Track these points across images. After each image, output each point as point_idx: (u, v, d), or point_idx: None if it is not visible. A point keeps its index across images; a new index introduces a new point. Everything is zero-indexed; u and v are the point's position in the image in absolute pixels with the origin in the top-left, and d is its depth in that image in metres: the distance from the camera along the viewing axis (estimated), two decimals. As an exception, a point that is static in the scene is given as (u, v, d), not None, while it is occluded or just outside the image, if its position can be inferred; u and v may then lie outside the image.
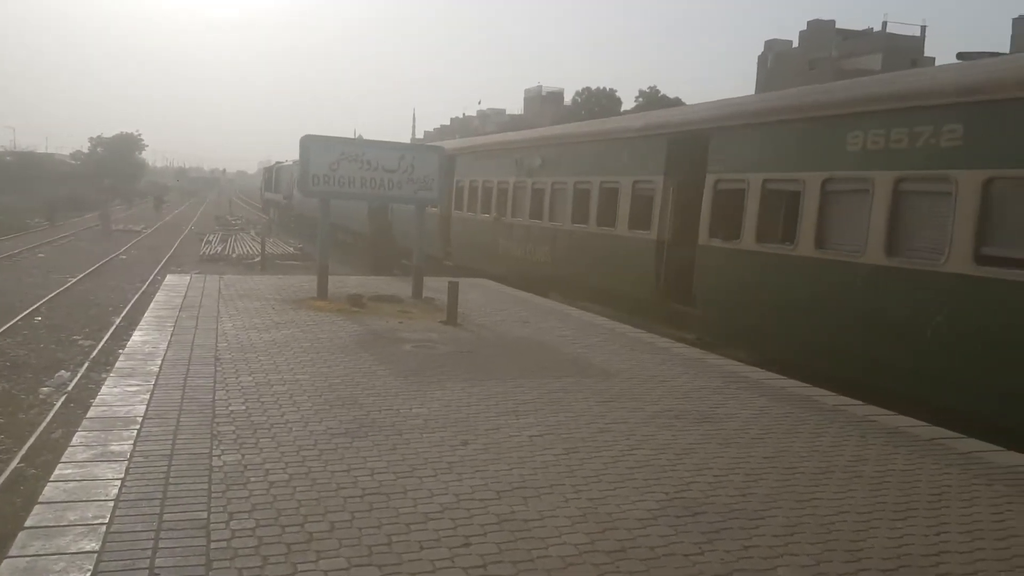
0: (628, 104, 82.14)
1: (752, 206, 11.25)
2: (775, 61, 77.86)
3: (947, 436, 7.14)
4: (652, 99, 77.81)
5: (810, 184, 10.31)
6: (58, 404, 11.81)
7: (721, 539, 4.64)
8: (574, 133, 18.22)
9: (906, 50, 67.53)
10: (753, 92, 54.14)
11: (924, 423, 7.54)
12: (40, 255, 33.11)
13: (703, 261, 12.24)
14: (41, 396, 12.58)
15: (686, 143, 13.04)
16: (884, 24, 73.88)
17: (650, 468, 5.81)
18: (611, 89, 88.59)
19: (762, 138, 11.48)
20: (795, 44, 78.86)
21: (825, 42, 74.07)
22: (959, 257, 8.38)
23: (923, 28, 73.57)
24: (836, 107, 10.33)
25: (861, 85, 10.90)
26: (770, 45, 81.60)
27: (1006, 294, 7.94)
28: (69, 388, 12.68)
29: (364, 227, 29.47)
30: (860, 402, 8.32)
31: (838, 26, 76.41)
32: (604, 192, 15.21)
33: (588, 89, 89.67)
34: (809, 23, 77.90)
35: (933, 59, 66.50)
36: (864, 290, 9.45)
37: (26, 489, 8.70)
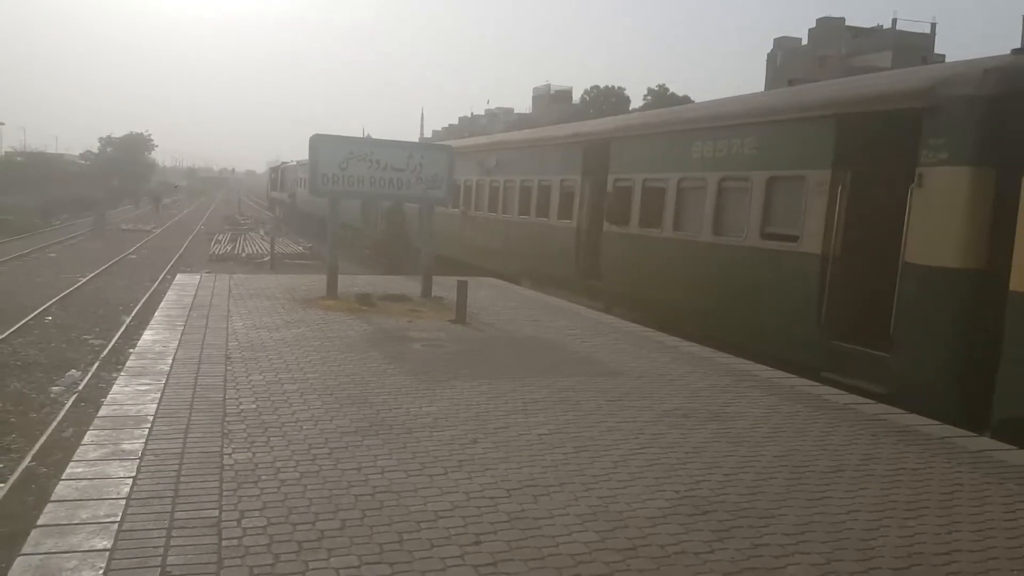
0: (637, 102, 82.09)
1: (636, 199, 14.23)
2: (784, 58, 77.70)
3: (959, 435, 7.11)
4: (661, 97, 77.69)
5: (670, 183, 13.26)
6: (69, 403, 11.87)
7: (731, 538, 4.63)
8: (522, 139, 21.45)
9: (916, 47, 67.32)
10: (763, 90, 53.98)
11: (935, 422, 7.51)
12: (51, 255, 33.28)
13: (606, 243, 15.28)
14: (52, 395, 12.65)
15: (596, 149, 15.89)
16: (894, 21, 73.69)
17: (660, 467, 5.80)
18: (619, 87, 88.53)
19: (641, 147, 14.66)
20: (804, 41, 78.68)
21: (834, 39, 73.87)
22: (753, 234, 11.21)
23: (933, 25, 73.39)
24: (684, 124, 13.61)
25: (698, 108, 15.40)
26: (779, 42, 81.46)
27: (775, 260, 10.79)
28: (80, 387, 12.75)
29: (357, 221, 32.33)
30: (871, 401, 8.30)
31: (848, 23, 76.21)
32: (541, 189, 18.07)
33: (597, 88, 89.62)
34: (818, 20, 77.75)
35: (943, 56, 66.20)
36: (701, 261, 12.38)
37: (38, 487, 8.74)
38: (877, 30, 74.82)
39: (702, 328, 11.87)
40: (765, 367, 9.69)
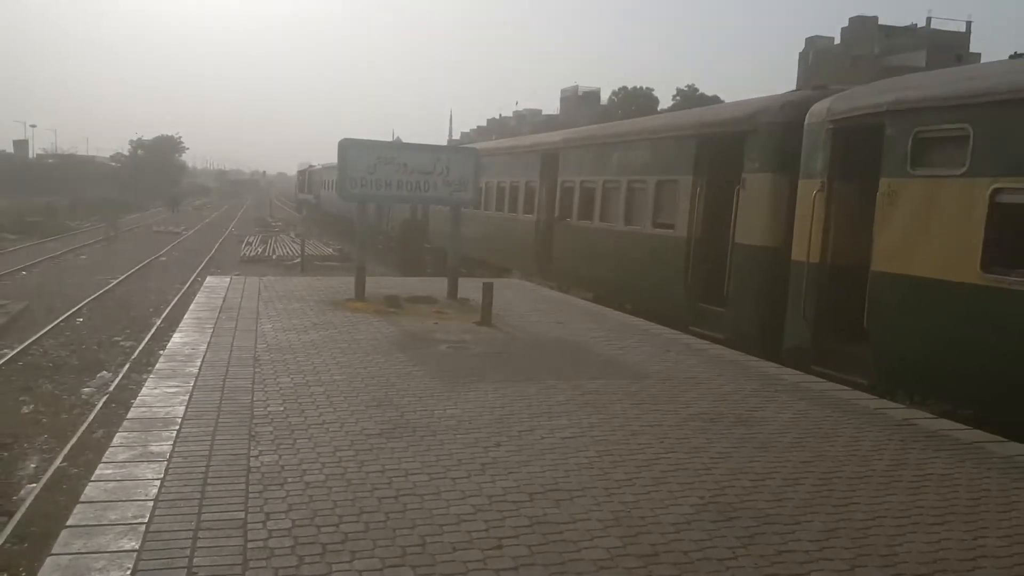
0: (666, 103, 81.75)
1: (576, 197, 17.32)
2: (816, 58, 77.07)
3: (988, 440, 7.01)
4: (690, 97, 77.33)
5: (598, 184, 16.51)
6: (99, 404, 12.05)
7: (756, 544, 4.61)
8: (503, 147, 25.35)
9: (951, 46, 66.53)
10: (794, 89, 53.47)
11: (965, 426, 7.42)
12: (82, 257, 33.79)
13: (556, 233, 18.44)
14: (83, 396, 12.85)
15: (549, 156, 19.24)
16: (928, 20, 72.91)
17: (685, 472, 5.78)
18: (648, 88, 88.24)
19: (580, 155, 17.73)
20: (837, 41, 77.98)
21: (867, 39, 73.21)
22: (647, 223, 14.55)
23: (968, 24, 72.54)
24: (606, 139, 17.12)
25: (614, 126, 19.84)
26: (811, 42, 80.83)
27: (661, 243, 14.05)
28: (110, 388, 12.94)
29: (371, 218, 34.09)
30: (900, 405, 8.22)
31: (881, 22, 75.45)
32: (512, 189, 21.54)
33: (625, 88, 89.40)
34: (851, 19, 77.09)
35: (979, 55, 65.36)
36: (618, 246, 15.56)
37: (69, 487, 8.88)
38: (911, 29, 74.02)
39: (621, 298, 15.35)
40: (793, 371, 9.62)
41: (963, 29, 72.22)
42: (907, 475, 5.96)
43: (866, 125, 9.90)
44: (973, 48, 70.35)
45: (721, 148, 12.73)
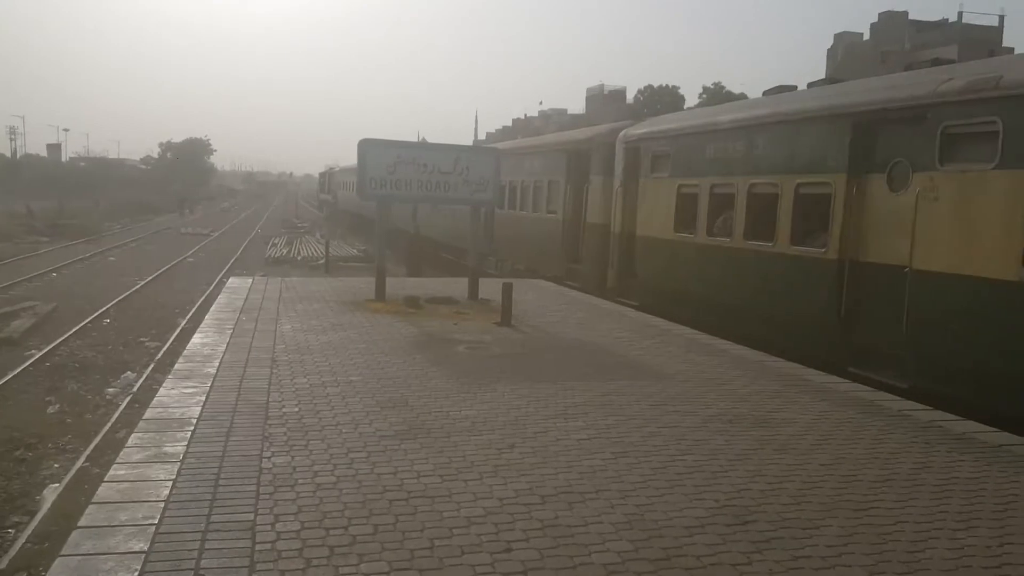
0: (692, 101, 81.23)
1: (506, 192, 21.06)
2: (845, 54, 76.13)
3: (1015, 443, 6.84)
4: (716, 95, 76.74)
5: (518, 183, 21.69)
6: (123, 405, 12.11)
7: (771, 548, 4.51)
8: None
9: (983, 41, 65.35)
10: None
11: (992, 428, 7.24)
12: (111, 259, 34.14)
13: (498, 220, 22.70)
14: (107, 397, 12.94)
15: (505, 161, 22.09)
16: (960, 14, 71.71)
17: (701, 474, 5.69)
18: (674, 86, 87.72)
19: (509, 162, 20.01)
20: (866, 36, 77.04)
21: (897, 34, 72.18)
22: (543, 211, 20.01)
23: (1001, 18, 71.44)
24: (516, 151, 22.61)
25: (521, 142, 28.51)
26: (840, 38, 79.89)
27: (548, 223, 19.46)
28: (134, 389, 13.01)
29: (372, 211, 35.89)
30: (926, 407, 8.04)
31: (911, 17, 74.43)
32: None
33: (651, 87, 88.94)
34: (880, 15, 76.08)
35: (1012, 49, 64.21)
36: (523, 227, 21.11)
37: (90, 488, 8.91)
38: (942, 24, 72.91)
39: (523, 262, 21.03)
40: (817, 372, 9.46)
41: (996, 23, 71.06)
42: (931, 479, 5.82)
43: (634, 147, 15.78)
44: (1006, 42, 69.17)
45: (580, 160, 18.28)
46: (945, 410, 7.82)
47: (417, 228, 29.97)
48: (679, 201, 13.90)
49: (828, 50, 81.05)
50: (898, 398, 8.36)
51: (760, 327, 11.45)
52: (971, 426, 7.33)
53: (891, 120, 9.68)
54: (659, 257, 14.52)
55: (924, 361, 8.95)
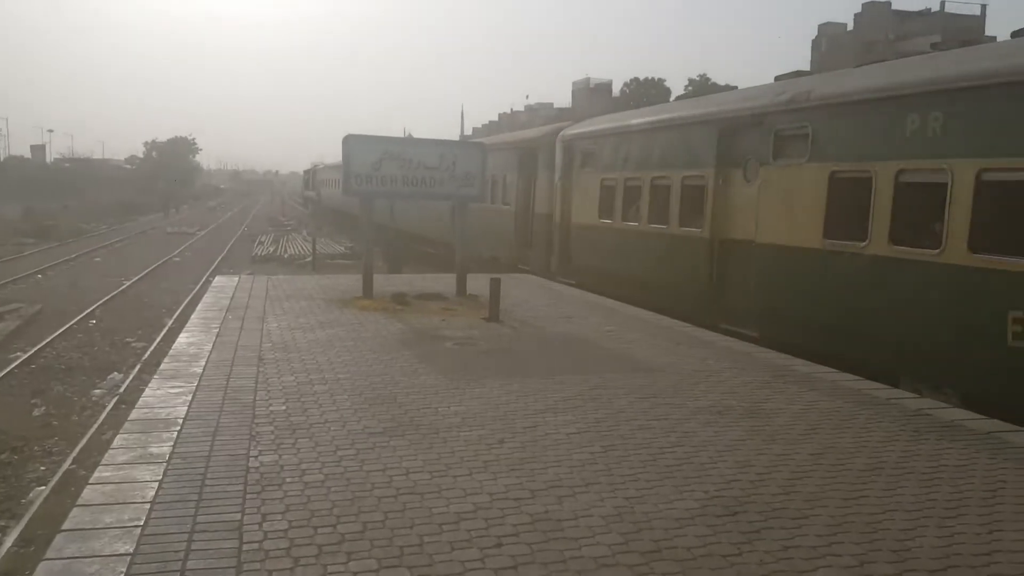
0: (678, 93, 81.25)
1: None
2: (829, 44, 76.28)
3: (1004, 429, 6.86)
4: (702, 87, 76.78)
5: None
6: (110, 406, 12.04)
7: (761, 539, 4.50)
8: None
9: (966, 30, 65.55)
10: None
11: (980, 416, 7.26)
12: (96, 259, 33.92)
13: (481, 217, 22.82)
14: (94, 398, 12.86)
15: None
16: (942, 4, 71.92)
17: (690, 466, 5.68)
18: (659, 79, 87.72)
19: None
20: (850, 27, 77.21)
21: (881, 24, 72.37)
22: (499, 202, 21.76)
23: (983, 7, 71.48)
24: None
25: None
26: (824, 28, 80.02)
27: (502, 214, 21.38)
28: (121, 390, 12.93)
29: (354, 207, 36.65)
30: (914, 395, 8.07)
31: (894, 7, 74.64)
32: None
33: (636, 79, 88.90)
34: (864, 5, 76.17)
35: (994, 38, 64.43)
36: (481, 217, 19.51)
37: (76, 491, 8.83)
38: (925, 14, 73.13)
39: (482, 249, 20.79)
40: (805, 362, 9.47)
41: (978, 12, 71.30)
42: (919, 467, 5.83)
43: (569, 145, 17.74)
44: (988, 31, 69.37)
45: (529, 157, 20.18)
46: (790, 355, 9.60)
47: (395, 222, 30.52)
48: (602, 192, 16.11)
49: (812, 40, 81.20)
50: (886, 387, 8.38)
51: (662, 295, 13.56)
52: (959, 413, 7.36)
53: (744, 125, 11.97)
54: (588, 241, 16.79)
55: (765, 314, 11.20)
